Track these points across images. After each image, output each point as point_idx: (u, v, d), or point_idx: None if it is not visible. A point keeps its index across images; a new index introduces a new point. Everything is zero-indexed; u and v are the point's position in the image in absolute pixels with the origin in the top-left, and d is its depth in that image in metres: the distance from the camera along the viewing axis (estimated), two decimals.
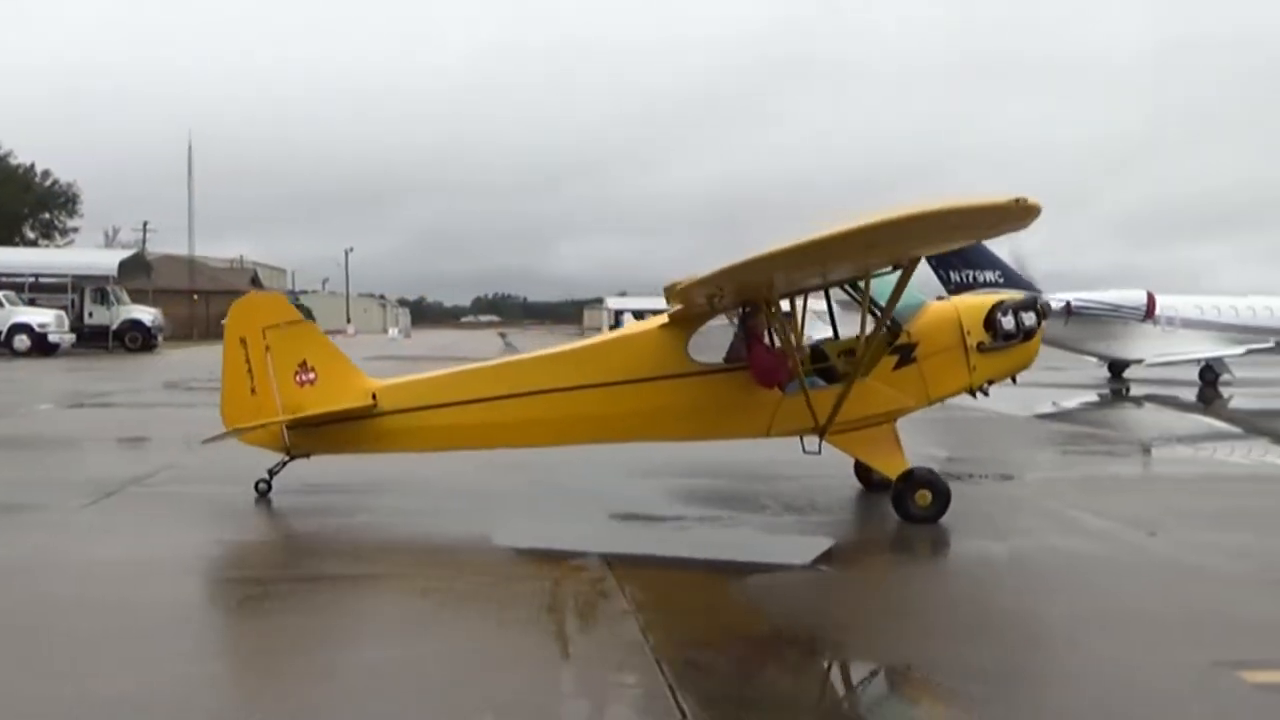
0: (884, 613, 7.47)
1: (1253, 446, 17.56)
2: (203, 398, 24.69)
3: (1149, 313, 32.57)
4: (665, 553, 9.35)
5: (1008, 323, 10.80)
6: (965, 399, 11.26)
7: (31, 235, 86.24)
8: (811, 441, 10.82)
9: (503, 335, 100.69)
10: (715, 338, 10.93)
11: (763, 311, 10.50)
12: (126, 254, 62.39)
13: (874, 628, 7.04)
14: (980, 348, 10.78)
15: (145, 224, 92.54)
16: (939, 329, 10.75)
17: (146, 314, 50.96)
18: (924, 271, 34.87)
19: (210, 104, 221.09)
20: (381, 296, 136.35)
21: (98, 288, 50.05)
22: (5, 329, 42.90)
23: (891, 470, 10.44)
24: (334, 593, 7.83)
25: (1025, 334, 10.99)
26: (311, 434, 10.79)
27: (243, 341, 10.81)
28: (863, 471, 11.91)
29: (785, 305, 10.82)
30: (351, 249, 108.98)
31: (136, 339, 48.99)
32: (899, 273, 9.88)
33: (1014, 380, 11.36)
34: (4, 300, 43.85)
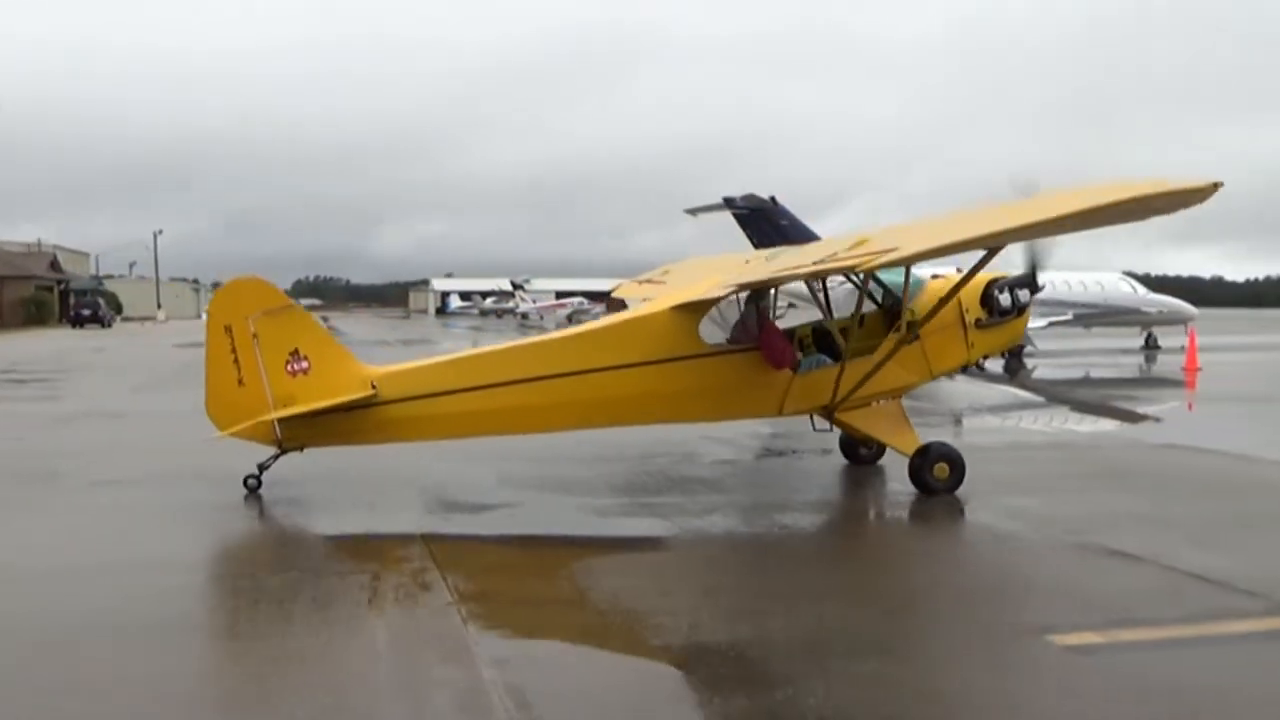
0: (706, 592, 7.44)
1: (1054, 415, 18.43)
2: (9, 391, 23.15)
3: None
4: (492, 540, 9.16)
5: (1004, 299, 11.17)
6: None
7: None
8: (822, 419, 11.26)
9: (325, 319, 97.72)
10: (722, 320, 11.06)
11: (768, 295, 10.77)
12: None
13: (696, 608, 7.01)
14: (978, 324, 11.25)
15: None
16: (933, 303, 10.89)
17: None
18: (746, 250, 35.11)
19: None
20: (195, 281, 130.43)
21: None
22: None
23: (906, 446, 10.81)
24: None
25: (1018, 310, 11.47)
26: (306, 426, 10.21)
27: (227, 330, 10.22)
28: (849, 447, 12.43)
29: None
30: (161, 231, 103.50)
31: None
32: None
33: (1002, 355, 11.63)
34: None
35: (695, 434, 13.79)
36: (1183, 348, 28.68)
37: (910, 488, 10.58)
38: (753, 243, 36.00)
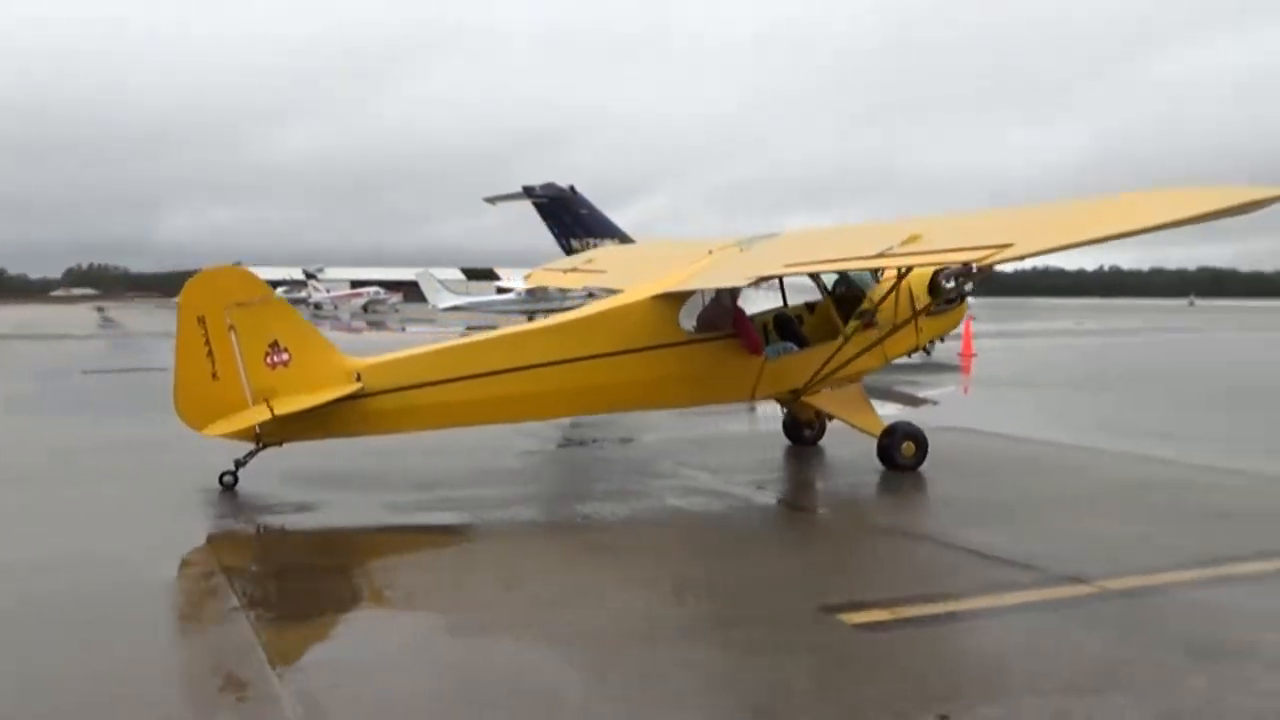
0: (507, 585, 7.36)
1: None
2: None
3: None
4: (284, 541, 8.81)
5: (949, 288, 11.53)
6: None
7: None
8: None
9: (101, 309, 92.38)
10: (695, 309, 11.50)
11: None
12: None
13: (495, 602, 6.92)
14: (926, 310, 11.87)
15: None
16: (893, 294, 11.46)
17: None
18: (549, 241, 34.67)
19: None
20: None
21: None
22: None
23: (872, 427, 11.60)
24: None
25: (960, 297, 12.37)
26: (289, 419, 9.80)
27: (201, 321, 9.79)
28: (793, 429, 13.16)
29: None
30: None
31: None
32: None
33: (943, 340, 12.50)
34: None
35: (505, 427, 13.65)
36: (959, 335, 30.22)
37: (712, 473, 10.77)
38: (552, 232, 36.02)
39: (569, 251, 35.85)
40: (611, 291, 13.15)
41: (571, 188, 35.53)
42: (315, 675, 5.63)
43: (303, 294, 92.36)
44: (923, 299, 11.83)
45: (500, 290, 55.05)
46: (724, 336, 11.39)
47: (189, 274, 10.82)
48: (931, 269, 11.30)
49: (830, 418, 12.45)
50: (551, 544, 8.73)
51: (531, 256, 58.52)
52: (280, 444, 10.21)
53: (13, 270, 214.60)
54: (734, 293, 11.39)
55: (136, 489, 10.52)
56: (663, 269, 12.23)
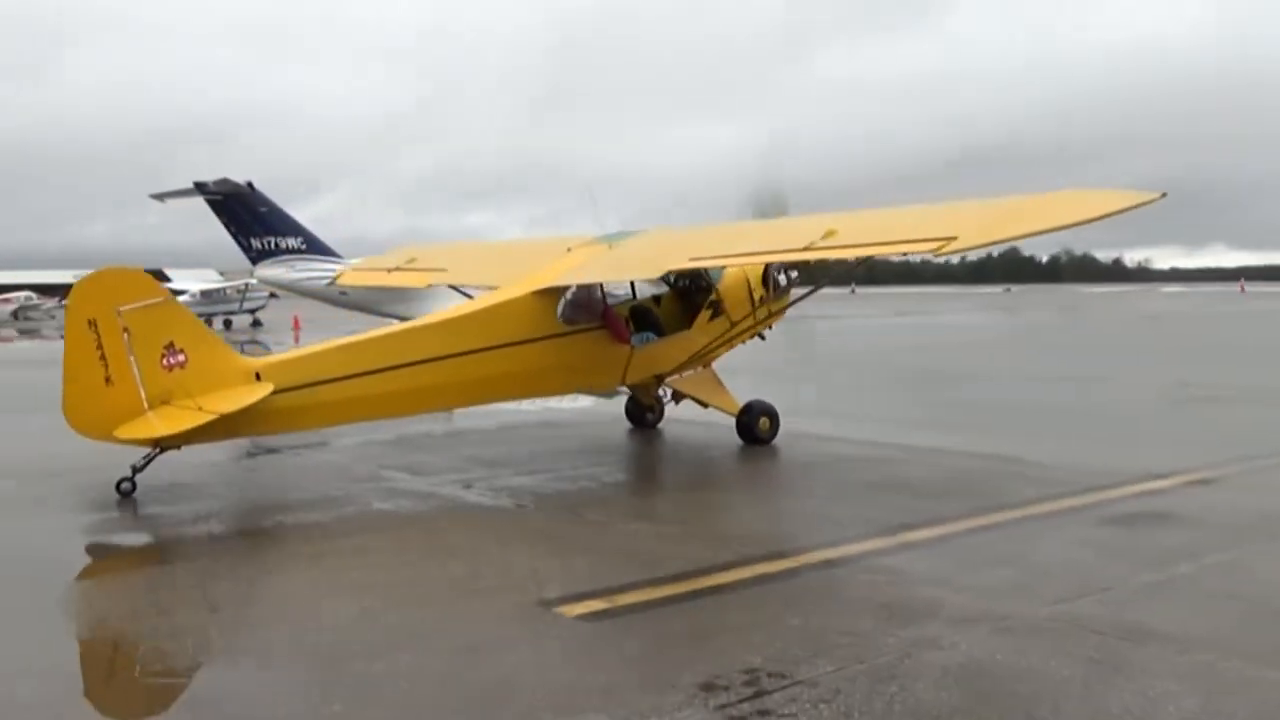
0: (201, 607, 6.92)
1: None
2: None
3: None
4: None
5: (780, 279, 13.47)
6: None
7: None
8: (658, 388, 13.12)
9: None
10: (571, 303, 12.14)
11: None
12: None
13: (194, 626, 6.50)
14: (761, 299, 13.34)
15: None
16: (736, 286, 13.21)
17: None
18: (225, 239, 32.99)
19: None
20: None
21: None
22: None
23: (730, 406, 12.91)
24: None
25: (787, 287, 13.77)
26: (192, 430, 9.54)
27: (91, 324, 9.36)
28: (635, 412, 14.38)
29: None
30: None
31: None
32: None
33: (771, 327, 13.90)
34: None
35: None
36: None
37: (413, 474, 10.57)
38: (229, 230, 34.20)
39: (249, 250, 34.21)
40: (462, 290, 14.63)
41: (249, 184, 33.83)
42: None
43: None
44: (759, 290, 13.27)
45: (172, 293, 51.71)
46: (596, 328, 12.22)
47: None
48: (763, 264, 12.82)
49: (691, 401, 13.37)
50: (252, 557, 8.26)
51: (206, 256, 55.38)
52: (179, 447, 9.92)
53: None
54: (601, 287, 12.40)
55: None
56: (521, 266, 12.80)
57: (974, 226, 9.26)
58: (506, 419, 15.21)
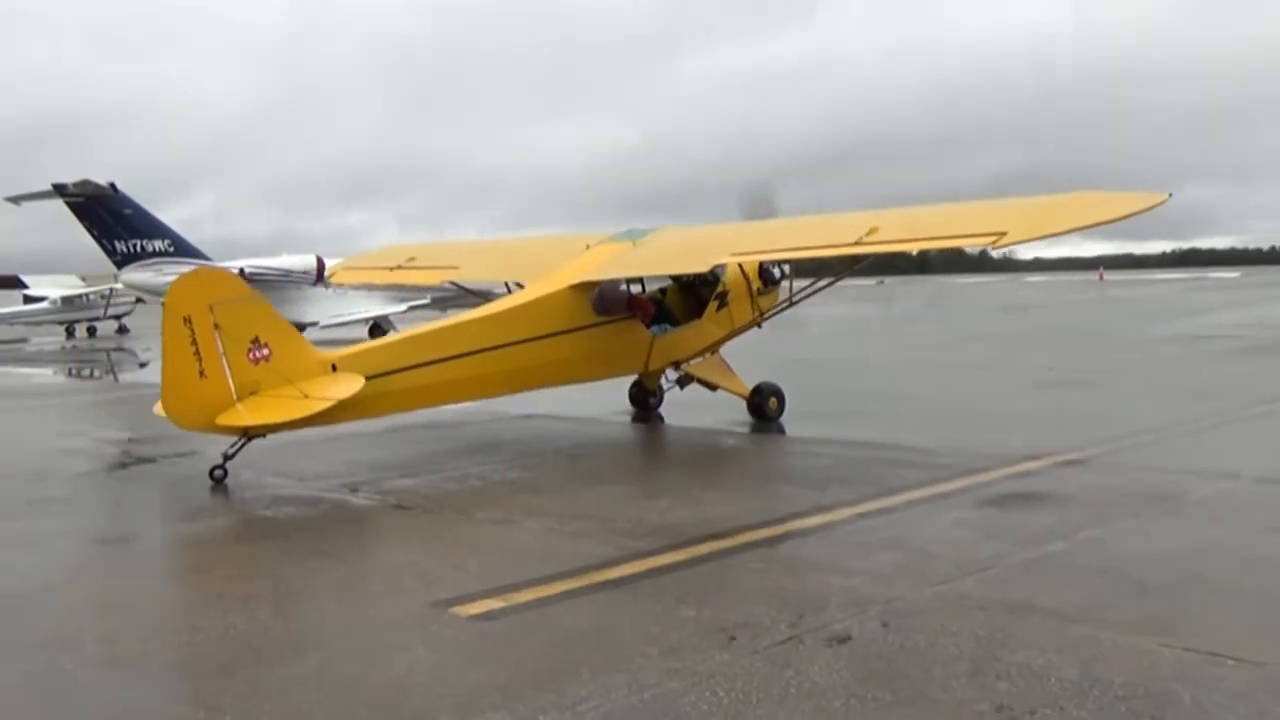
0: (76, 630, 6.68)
1: None
2: None
3: (319, 276, 33.92)
4: None
5: (775, 272, 14.54)
6: None
7: None
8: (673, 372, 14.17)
9: None
10: (597, 296, 12.85)
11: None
12: None
13: (68, 647, 6.26)
14: (759, 292, 14.37)
15: None
16: (737, 279, 14.16)
17: None
18: (87, 243, 31.90)
19: None
20: None
21: None
22: None
23: (741, 389, 13.95)
24: None
25: (779, 280, 14.66)
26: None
27: (187, 321, 9.93)
28: (639, 398, 15.16)
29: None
30: None
31: None
32: None
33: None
34: None
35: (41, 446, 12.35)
36: None
37: (298, 479, 10.37)
38: (92, 233, 32.98)
39: (114, 254, 33.04)
40: (466, 286, 15.84)
41: (112, 185, 32.65)
42: None
43: None
44: (755, 282, 14.32)
45: (29, 299, 49.64)
46: (623, 319, 13.08)
47: None
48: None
49: (700, 385, 14.24)
50: (131, 573, 7.99)
51: (67, 262, 53.16)
52: (264, 435, 10.50)
53: None
54: (629, 281, 13.48)
55: None
56: (538, 263, 13.67)
57: (1021, 223, 10.39)
58: (390, 421, 14.96)
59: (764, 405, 13.82)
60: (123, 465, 12.46)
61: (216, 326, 10.04)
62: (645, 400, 15.15)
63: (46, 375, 28.09)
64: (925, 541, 7.85)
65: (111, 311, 49.52)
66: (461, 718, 4.92)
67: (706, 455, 12.19)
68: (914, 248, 11.93)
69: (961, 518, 8.53)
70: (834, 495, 9.37)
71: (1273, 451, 11.34)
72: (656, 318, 13.69)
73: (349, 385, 10.50)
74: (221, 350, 10.06)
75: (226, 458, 10.58)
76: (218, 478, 10.58)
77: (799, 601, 6.40)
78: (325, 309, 33.62)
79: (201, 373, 9.97)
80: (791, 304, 14.52)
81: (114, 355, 34.41)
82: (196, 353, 9.96)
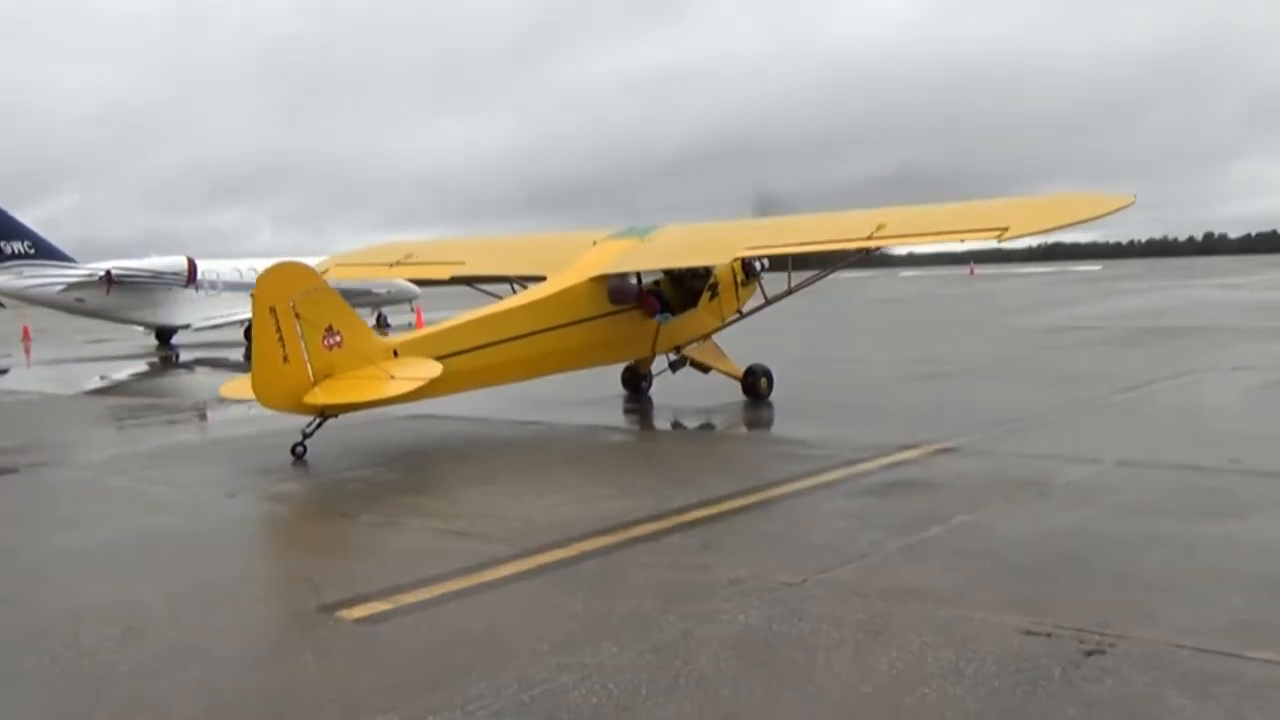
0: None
1: None
2: None
3: (191, 278, 33.02)
4: None
5: (757, 265, 15.60)
6: None
7: None
8: (673, 357, 15.36)
9: None
10: (610, 287, 13.98)
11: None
12: None
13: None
14: (742, 284, 15.60)
15: None
16: (725, 271, 15.27)
17: None
18: None
19: None
20: None
21: None
22: None
23: (735, 371, 15.17)
24: None
25: (759, 274, 15.75)
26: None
27: (272, 311, 10.76)
28: (632, 380, 16.30)
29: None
30: None
31: None
32: None
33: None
34: None
35: None
36: (411, 324, 30.87)
37: (174, 486, 10.11)
38: None
39: None
40: (471, 278, 16.42)
41: None
42: None
43: None
44: (739, 275, 15.46)
45: None
46: (633, 308, 14.19)
47: None
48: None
49: (693, 368, 15.47)
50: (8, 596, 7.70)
51: None
52: (337, 415, 11.41)
53: None
54: (638, 274, 14.59)
55: None
56: (545, 259, 14.77)
57: (1023, 218, 11.56)
58: (267, 425, 14.67)
59: (756, 385, 14.92)
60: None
61: (297, 316, 10.85)
62: (637, 384, 16.29)
63: None
64: (806, 532, 8.04)
65: None
66: None
67: (595, 453, 12.24)
68: (922, 242, 12.79)
69: (841, 507, 8.75)
70: (719, 488, 9.52)
71: (1132, 436, 11.88)
72: (660, 308, 14.61)
73: (429, 368, 11.36)
74: (301, 337, 10.90)
75: (305, 435, 11.44)
76: (299, 454, 11.39)
77: (686, 593, 6.50)
78: (197, 311, 32.73)
79: (285, 358, 10.82)
80: (789, 294, 15.29)
81: None
82: (280, 340, 10.78)
